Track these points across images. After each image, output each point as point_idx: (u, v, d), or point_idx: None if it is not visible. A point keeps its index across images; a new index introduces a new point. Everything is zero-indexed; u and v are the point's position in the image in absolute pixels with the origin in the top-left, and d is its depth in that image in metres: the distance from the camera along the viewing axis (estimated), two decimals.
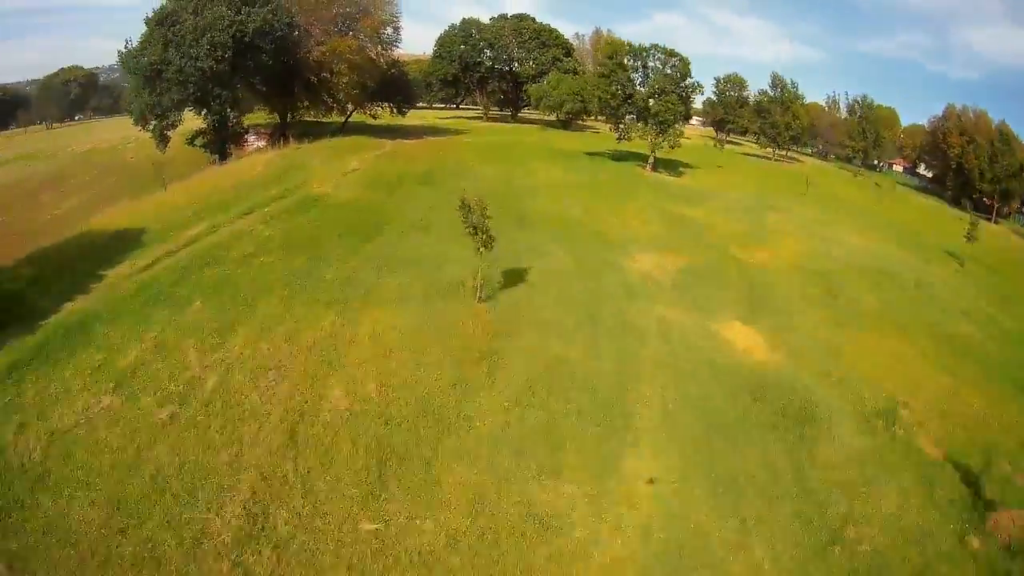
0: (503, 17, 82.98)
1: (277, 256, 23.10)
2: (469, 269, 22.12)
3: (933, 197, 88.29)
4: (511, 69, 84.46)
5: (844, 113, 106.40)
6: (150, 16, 40.03)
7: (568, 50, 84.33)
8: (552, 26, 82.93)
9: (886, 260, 34.43)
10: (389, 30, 50.87)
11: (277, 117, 50.65)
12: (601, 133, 79.97)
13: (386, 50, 52.14)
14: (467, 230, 20.81)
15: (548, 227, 31.53)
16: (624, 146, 52.25)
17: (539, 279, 24.26)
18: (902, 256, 36.79)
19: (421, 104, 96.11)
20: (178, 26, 38.83)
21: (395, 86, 54.48)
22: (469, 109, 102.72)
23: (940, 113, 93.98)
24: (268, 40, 39.79)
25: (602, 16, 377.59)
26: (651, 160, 48.44)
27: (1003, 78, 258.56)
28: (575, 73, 78.47)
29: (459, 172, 38.65)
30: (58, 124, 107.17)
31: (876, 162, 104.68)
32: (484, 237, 20.54)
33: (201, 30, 37.77)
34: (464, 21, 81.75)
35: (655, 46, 46.78)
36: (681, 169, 51.54)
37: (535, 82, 79.84)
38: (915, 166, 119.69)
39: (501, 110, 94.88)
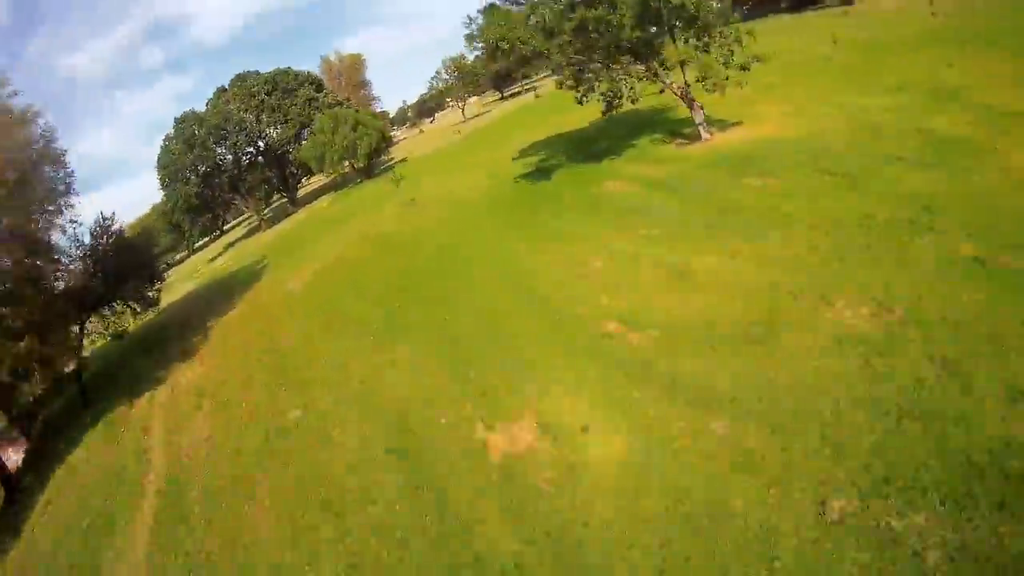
0: (223, 89, 60.79)
1: None
2: None
3: (778, 16, 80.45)
4: (262, 147, 62.53)
5: None
6: None
7: (319, 84, 64.10)
8: (285, 67, 61.95)
9: None
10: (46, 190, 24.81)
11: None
12: (413, 159, 57.73)
13: (52, 217, 25.53)
14: None
15: None
16: (541, 128, 34.31)
17: None
18: None
19: (180, 254, 72.14)
20: None
21: (121, 272, 28.70)
22: (237, 224, 79.63)
23: None
24: None
25: (313, 49, 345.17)
26: (700, 119, 26.79)
27: None
28: (341, 105, 59.09)
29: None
30: None
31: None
32: None
33: None
34: (179, 122, 57.65)
35: None
36: (707, 112, 27.81)
37: (298, 143, 59.59)
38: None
39: (268, 203, 72.60)
